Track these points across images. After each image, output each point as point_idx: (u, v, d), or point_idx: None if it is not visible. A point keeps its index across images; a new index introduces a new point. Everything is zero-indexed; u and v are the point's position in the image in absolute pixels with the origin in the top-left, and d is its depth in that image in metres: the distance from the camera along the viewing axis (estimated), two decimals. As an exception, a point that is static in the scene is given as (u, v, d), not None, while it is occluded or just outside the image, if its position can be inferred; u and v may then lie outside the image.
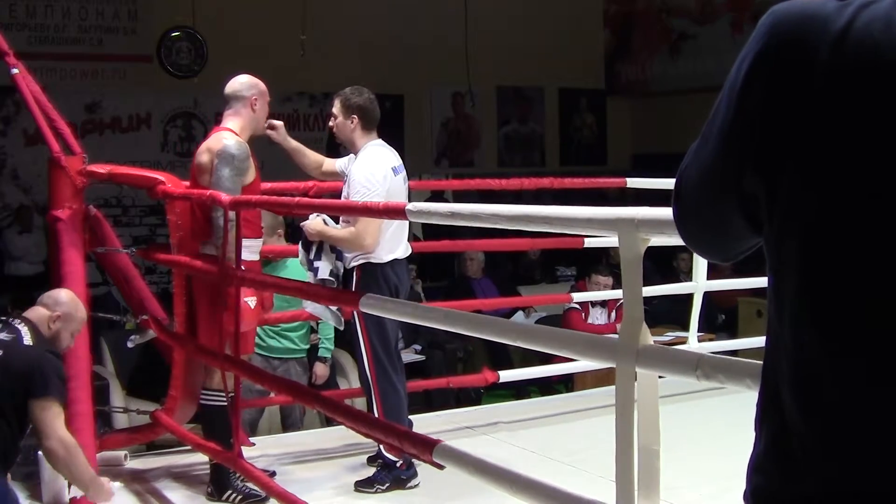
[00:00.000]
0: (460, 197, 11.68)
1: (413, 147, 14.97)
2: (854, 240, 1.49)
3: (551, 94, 16.86)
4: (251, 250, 5.74)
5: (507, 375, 7.34)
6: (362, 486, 5.90)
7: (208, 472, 5.98)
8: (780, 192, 1.57)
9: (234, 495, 5.71)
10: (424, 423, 6.23)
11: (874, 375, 1.48)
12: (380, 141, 6.02)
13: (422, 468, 5.81)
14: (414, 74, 15.07)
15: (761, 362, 1.69)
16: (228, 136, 5.69)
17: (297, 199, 5.34)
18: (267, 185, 6.26)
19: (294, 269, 7.01)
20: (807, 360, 1.55)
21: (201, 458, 6.19)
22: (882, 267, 1.46)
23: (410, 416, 6.22)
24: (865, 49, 1.47)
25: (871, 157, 1.46)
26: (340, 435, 6.57)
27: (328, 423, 7.47)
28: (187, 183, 5.95)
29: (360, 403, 7.23)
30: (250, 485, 5.61)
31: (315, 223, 5.70)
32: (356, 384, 8.56)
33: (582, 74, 16.73)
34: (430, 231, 12.64)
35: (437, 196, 12.94)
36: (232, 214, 5.32)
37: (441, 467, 3.61)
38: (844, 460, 1.52)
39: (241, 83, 5.86)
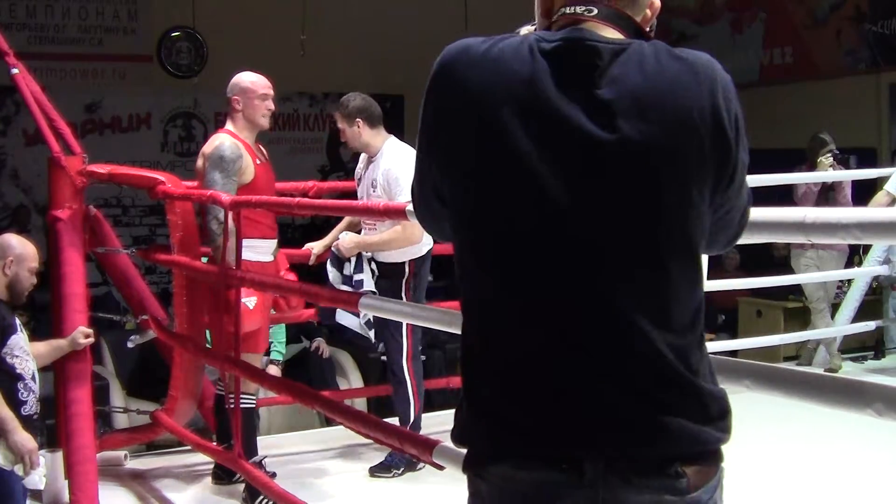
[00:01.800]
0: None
1: (414, 147, 14.94)
2: (461, 213, 2.04)
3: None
4: (258, 251, 5.75)
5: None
6: (378, 471, 5.97)
7: (209, 471, 6.00)
8: (443, 182, 2.08)
9: (265, 500, 5.66)
10: (424, 424, 6.23)
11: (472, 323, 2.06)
12: (392, 136, 6.13)
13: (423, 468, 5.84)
14: (414, 75, 14.83)
15: (762, 363, 1.87)
16: (221, 137, 5.77)
17: (297, 199, 5.33)
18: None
19: None
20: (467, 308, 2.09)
21: (201, 458, 6.21)
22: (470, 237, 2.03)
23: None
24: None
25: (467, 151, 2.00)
26: (339, 435, 6.58)
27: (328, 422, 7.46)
28: (193, 184, 5.98)
29: (359, 403, 7.24)
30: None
31: (350, 238, 5.85)
32: (356, 384, 8.59)
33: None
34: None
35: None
36: (224, 214, 5.34)
37: (441, 468, 3.61)
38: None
39: (229, 85, 5.93)
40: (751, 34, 14.54)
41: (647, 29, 2.09)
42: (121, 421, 7.73)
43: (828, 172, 8.96)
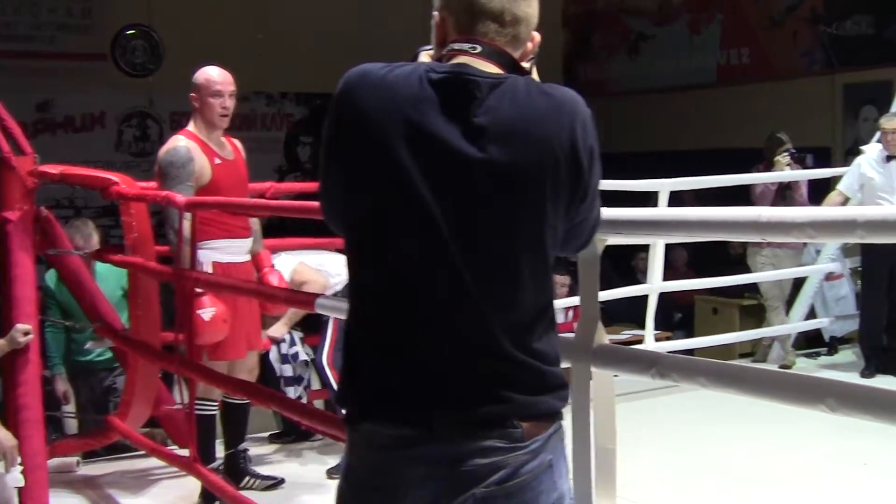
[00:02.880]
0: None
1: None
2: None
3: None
4: (227, 252, 5.69)
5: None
6: (336, 472, 5.95)
7: (164, 475, 5.97)
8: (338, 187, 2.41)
9: (251, 480, 5.90)
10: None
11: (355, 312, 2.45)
12: None
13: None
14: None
15: (716, 361, 2.09)
16: (174, 141, 5.70)
17: (253, 200, 5.30)
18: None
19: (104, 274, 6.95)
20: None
21: (155, 462, 6.16)
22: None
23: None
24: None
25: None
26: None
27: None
28: (149, 184, 5.93)
29: (317, 402, 7.21)
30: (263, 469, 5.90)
31: (278, 326, 6.66)
32: (315, 385, 8.54)
33: (541, 74, 16.62)
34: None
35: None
36: (180, 219, 5.30)
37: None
38: None
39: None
40: (708, 35, 14.58)
41: (531, 58, 2.48)
42: (73, 426, 7.63)
43: (785, 172, 9.02)
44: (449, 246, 2.27)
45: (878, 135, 9.11)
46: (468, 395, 2.30)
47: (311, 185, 6.28)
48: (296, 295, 5.28)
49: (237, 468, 5.91)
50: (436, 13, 2.50)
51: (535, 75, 2.52)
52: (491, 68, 2.34)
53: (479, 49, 2.35)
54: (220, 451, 5.90)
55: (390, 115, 2.28)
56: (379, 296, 2.37)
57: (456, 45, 2.39)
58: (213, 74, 5.78)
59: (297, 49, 14.41)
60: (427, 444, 2.32)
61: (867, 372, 8.55)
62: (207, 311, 5.43)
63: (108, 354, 7.08)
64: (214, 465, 5.66)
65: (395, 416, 2.34)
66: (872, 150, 8.76)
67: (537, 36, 2.47)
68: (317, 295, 4.84)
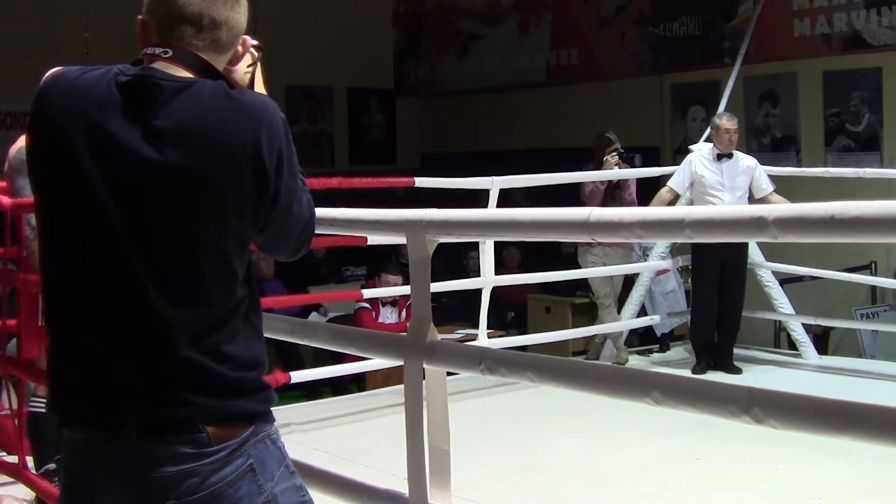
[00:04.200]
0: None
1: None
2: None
3: (340, 93, 16.79)
4: None
5: (298, 376, 7.27)
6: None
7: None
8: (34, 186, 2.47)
9: None
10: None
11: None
12: None
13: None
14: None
15: (543, 356, 2.02)
16: (24, 139, 5.52)
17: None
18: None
19: None
20: None
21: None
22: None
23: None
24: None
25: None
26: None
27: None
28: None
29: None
30: None
31: None
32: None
33: (371, 74, 16.69)
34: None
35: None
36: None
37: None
38: None
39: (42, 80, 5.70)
40: (537, 35, 14.70)
41: (251, 63, 2.57)
42: None
43: (613, 171, 9.15)
44: (125, 247, 2.29)
45: (706, 133, 9.33)
46: (151, 398, 2.31)
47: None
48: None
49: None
50: (140, 17, 2.53)
51: (258, 78, 2.61)
52: (181, 72, 2.38)
53: (170, 53, 2.40)
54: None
55: (77, 119, 2.33)
56: (61, 297, 2.40)
57: (149, 50, 2.44)
58: None
59: (124, 47, 14.12)
60: (114, 447, 2.32)
61: (698, 368, 8.72)
62: None
63: None
64: (48, 468, 5.54)
65: (85, 419, 2.37)
66: (703, 149, 8.95)
67: (249, 40, 2.53)
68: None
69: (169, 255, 2.31)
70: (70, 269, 2.37)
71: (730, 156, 8.77)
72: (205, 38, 2.42)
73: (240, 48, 2.51)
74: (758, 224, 2.35)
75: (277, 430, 2.48)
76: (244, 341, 2.41)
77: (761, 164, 8.94)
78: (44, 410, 5.55)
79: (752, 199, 8.69)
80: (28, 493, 5.54)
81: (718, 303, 8.85)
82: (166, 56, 2.40)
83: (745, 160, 8.86)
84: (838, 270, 9.77)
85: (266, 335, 2.55)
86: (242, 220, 2.36)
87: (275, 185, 2.39)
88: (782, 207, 2.38)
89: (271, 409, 2.46)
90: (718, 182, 8.73)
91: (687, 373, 8.45)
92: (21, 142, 5.56)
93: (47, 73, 2.47)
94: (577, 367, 2.75)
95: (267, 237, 2.49)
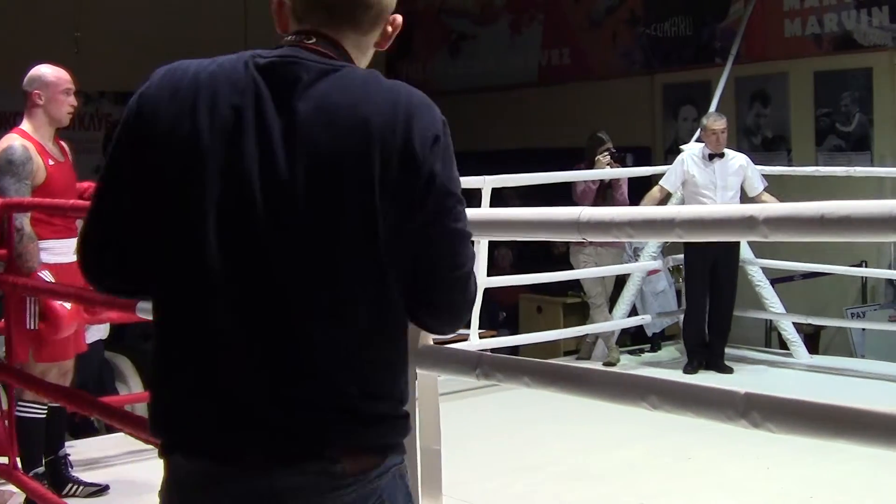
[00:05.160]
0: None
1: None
2: None
3: (333, 93, 16.83)
4: (54, 252, 5.58)
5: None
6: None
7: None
8: None
9: (74, 487, 5.77)
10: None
11: None
12: None
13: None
14: (193, 73, 14.75)
15: (541, 360, 1.92)
16: (10, 139, 5.55)
17: (70, 202, 5.20)
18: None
19: None
20: None
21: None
22: None
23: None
24: None
25: None
26: (121, 442, 6.45)
27: (107, 430, 7.30)
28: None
29: (139, 409, 7.10)
30: (86, 476, 5.77)
31: None
32: (136, 389, 8.42)
33: (363, 74, 16.71)
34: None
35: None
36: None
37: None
38: None
39: (26, 79, 5.71)
40: (529, 35, 14.72)
41: (385, 47, 2.33)
42: None
43: (605, 170, 9.16)
44: (267, 251, 2.05)
45: (697, 133, 9.34)
46: (281, 424, 2.05)
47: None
48: (116, 299, 5.18)
49: (59, 475, 5.80)
50: None
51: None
52: (323, 57, 2.15)
53: (314, 40, 2.18)
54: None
55: (208, 109, 2.11)
56: (177, 306, 2.14)
57: (292, 37, 2.21)
58: (62, 72, 5.79)
59: (116, 47, 14.13)
60: (236, 478, 2.08)
61: (690, 368, 8.75)
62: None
63: None
64: (38, 471, 5.55)
65: (199, 447, 2.11)
66: (694, 149, 8.97)
67: (398, 19, 2.30)
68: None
69: (313, 265, 2.04)
70: (192, 275, 2.09)
71: (721, 155, 8.80)
72: (348, 20, 2.22)
73: (389, 28, 2.30)
74: (748, 223, 2.35)
75: (405, 464, 2.24)
76: (385, 367, 2.16)
77: (752, 163, 8.95)
78: (30, 415, 5.57)
79: (744, 198, 8.70)
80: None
81: (710, 302, 8.87)
82: (310, 42, 2.18)
83: (736, 159, 8.87)
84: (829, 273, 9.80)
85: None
86: (386, 221, 2.06)
87: (424, 178, 2.09)
88: (773, 206, 2.38)
89: (404, 440, 2.21)
90: (710, 182, 8.75)
91: (678, 373, 8.47)
92: (7, 141, 5.54)
93: (159, 71, 2.30)
94: (573, 373, 2.74)
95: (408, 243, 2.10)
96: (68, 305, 5.40)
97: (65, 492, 5.72)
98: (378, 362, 2.13)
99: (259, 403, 2.05)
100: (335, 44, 2.20)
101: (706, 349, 8.95)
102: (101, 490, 5.88)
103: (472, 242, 2.25)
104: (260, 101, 2.08)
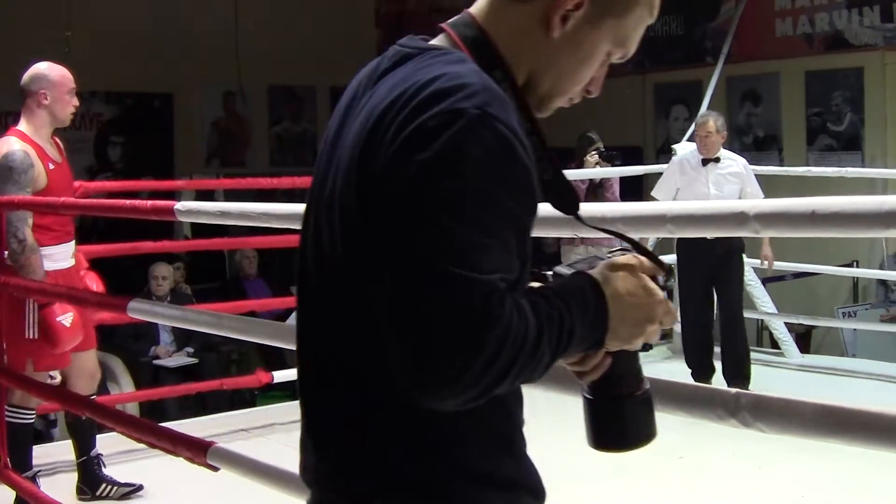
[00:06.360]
0: (232, 197, 11.51)
1: (183, 147, 14.67)
2: None
3: (323, 92, 16.78)
4: (55, 259, 5.53)
5: (281, 376, 7.29)
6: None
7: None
8: None
9: (108, 487, 5.80)
10: (199, 427, 6.14)
11: None
12: None
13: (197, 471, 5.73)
14: (184, 73, 14.76)
15: None
16: (10, 143, 5.44)
17: (62, 199, 5.18)
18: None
19: None
20: None
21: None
22: None
23: (185, 421, 6.18)
24: None
25: None
26: (113, 442, 6.44)
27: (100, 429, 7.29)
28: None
29: (130, 408, 7.10)
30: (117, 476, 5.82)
31: None
32: (127, 388, 8.42)
33: (354, 74, 16.61)
34: (202, 233, 12.44)
35: (207, 196, 12.69)
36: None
37: (215, 469, 3.58)
38: None
39: (27, 77, 5.60)
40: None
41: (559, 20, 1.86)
42: None
43: (594, 170, 9.17)
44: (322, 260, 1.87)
45: (689, 132, 9.31)
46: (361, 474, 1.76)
47: (122, 185, 6.17)
48: (108, 299, 5.18)
49: (92, 475, 5.81)
50: None
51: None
52: (445, 42, 1.96)
53: (451, 21, 1.98)
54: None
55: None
56: (300, 322, 1.91)
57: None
58: (65, 71, 5.68)
59: (106, 47, 14.12)
60: None
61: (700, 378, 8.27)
62: (67, 316, 5.31)
63: None
64: (30, 473, 5.53)
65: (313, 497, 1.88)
66: (686, 149, 8.78)
67: None
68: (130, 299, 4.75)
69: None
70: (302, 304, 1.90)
71: (717, 160, 8.27)
72: None
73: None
74: (739, 219, 2.35)
75: None
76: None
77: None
78: (19, 421, 5.56)
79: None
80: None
81: (711, 311, 8.50)
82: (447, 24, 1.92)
83: (733, 166, 8.35)
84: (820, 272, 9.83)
85: (249, 339, 2.40)
86: None
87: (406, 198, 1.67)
88: (764, 202, 2.38)
89: None
90: (702, 191, 8.22)
91: (670, 372, 8.43)
92: (6, 146, 5.41)
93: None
94: (564, 373, 2.75)
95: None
96: (68, 322, 5.34)
97: (99, 492, 5.77)
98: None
99: (343, 457, 1.79)
100: (468, 23, 1.95)
101: (709, 364, 8.41)
102: (135, 490, 5.89)
103: None
104: (357, 86, 2.04)
